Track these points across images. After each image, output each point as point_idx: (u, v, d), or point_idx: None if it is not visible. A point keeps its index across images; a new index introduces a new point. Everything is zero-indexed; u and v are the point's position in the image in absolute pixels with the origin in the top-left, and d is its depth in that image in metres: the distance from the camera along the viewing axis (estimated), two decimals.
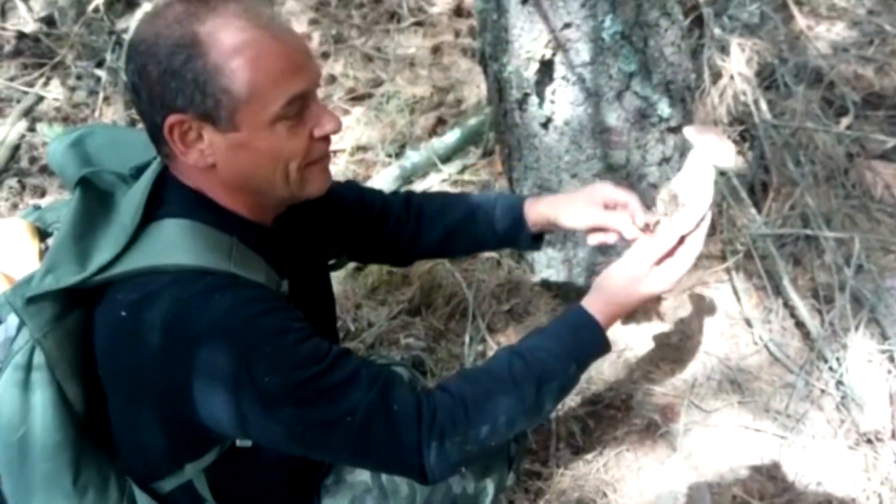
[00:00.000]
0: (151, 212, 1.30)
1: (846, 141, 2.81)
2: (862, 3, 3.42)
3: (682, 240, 1.45)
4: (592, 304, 1.48)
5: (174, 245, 1.28)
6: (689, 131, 1.48)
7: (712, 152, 1.42)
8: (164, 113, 1.24)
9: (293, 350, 1.26)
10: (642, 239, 1.47)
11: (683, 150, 2.52)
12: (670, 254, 1.44)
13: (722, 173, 2.85)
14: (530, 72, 2.15)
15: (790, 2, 3.11)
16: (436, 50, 3.82)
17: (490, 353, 2.75)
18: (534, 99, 2.28)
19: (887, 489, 2.31)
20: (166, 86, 1.22)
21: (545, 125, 2.34)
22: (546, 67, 2.18)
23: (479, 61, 2.41)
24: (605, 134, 2.35)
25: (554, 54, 2.14)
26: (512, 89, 2.30)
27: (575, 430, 2.45)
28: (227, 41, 1.21)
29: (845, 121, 2.90)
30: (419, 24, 3.96)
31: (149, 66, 1.22)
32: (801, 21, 3.12)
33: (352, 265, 3.02)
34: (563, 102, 2.28)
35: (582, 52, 2.16)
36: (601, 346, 1.48)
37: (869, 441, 2.43)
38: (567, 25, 2.11)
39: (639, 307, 1.52)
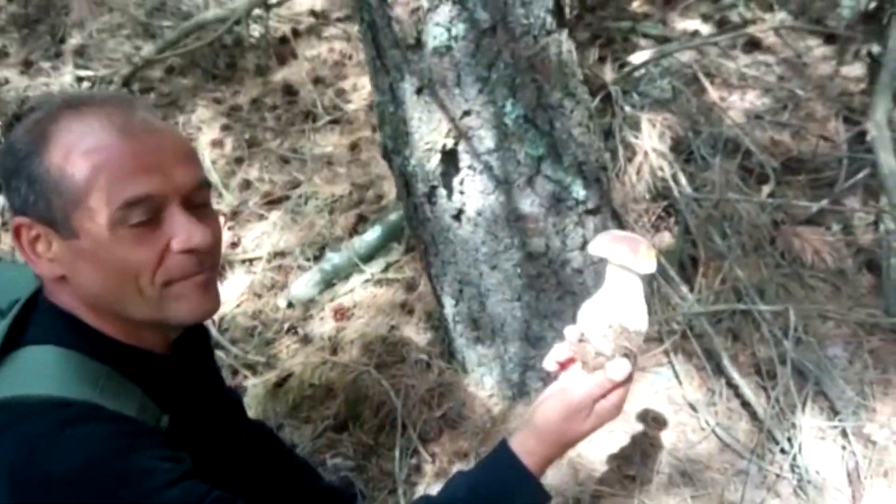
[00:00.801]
0: (16, 338, 1.13)
1: (770, 209, 2.74)
2: (772, 71, 3.44)
3: None
4: (523, 444, 1.24)
5: (32, 374, 1.10)
6: (597, 248, 1.25)
7: (630, 262, 1.19)
8: (11, 215, 1.13)
9: (158, 494, 1.06)
10: (585, 376, 1.23)
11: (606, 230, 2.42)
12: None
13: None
14: (433, 163, 2.04)
15: (701, 74, 3.09)
16: (353, 147, 3.72)
17: (424, 467, 2.54)
18: (441, 191, 2.16)
19: None
20: (9, 185, 1.11)
21: (457, 217, 2.21)
22: (450, 157, 2.07)
23: (382, 156, 2.29)
24: (521, 221, 2.23)
25: (456, 143, 2.03)
26: (418, 183, 2.18)
27: None
28: (69, 139, 1.08)
29: (766, 188, 2.84)
30: (335, 122, 3.88)
31: (3, 166, 1.12)
32: (713, 93, 3.10)
33: (272, 381, 2.82)
34: (473, 192, 2.16)
35: (485, 138, 2.05)
36: (535, 497, 1.25)
37: None
38: (467, 113, 2.01)
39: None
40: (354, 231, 3.30)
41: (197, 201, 1.20)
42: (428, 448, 2.57)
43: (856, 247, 2.85)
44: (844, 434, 2.43)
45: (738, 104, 3.23)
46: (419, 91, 2.00)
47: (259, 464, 1.61)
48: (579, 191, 2.24)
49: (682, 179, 2.68)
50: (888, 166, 2.28)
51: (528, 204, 2.20)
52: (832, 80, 3.37)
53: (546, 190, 2.19)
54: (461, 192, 2.16)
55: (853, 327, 2.59)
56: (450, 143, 2.01)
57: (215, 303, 1.26)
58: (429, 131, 2.02)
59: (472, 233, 2.24)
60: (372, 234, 3.20)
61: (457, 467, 2.52)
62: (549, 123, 2.12)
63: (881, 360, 2.53)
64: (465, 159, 2.09)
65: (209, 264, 1.22)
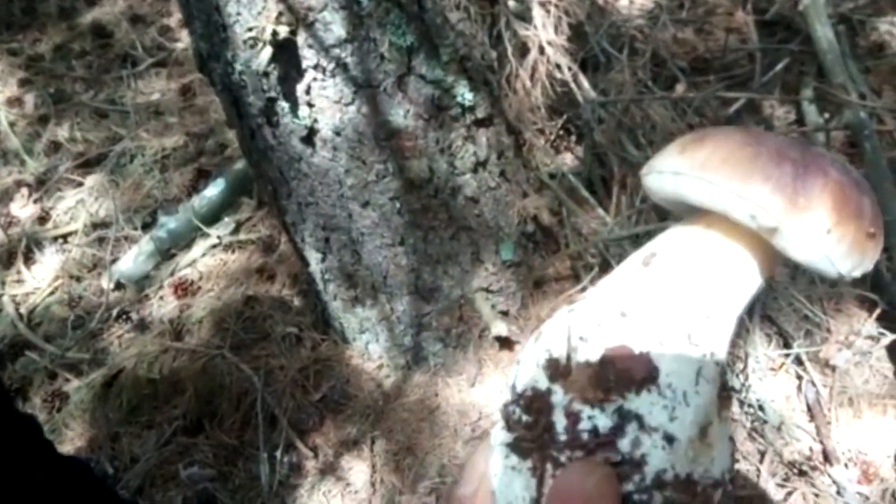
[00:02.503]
0: None
1: (686, 112, 2.32)
2: None
3: None
4: None
5: None
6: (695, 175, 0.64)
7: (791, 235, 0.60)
8: None
9: None
10: None
11: (501, 149, 1.93)
12: None
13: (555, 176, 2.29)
14: (263, 61, 1.48)
15: None
16: (185, 91, 3.10)
17: (305, 465, 2.02)
18: (282, 105, 1.61)
19: None
20: None
21: (308, 140, 1.67)
22: (286, 53, 1.51)
23: (198, 68, 1.71)
24: (394, 139, 1.71)
25: (293, 31, 1.48)
26: (249, 96, 1.62)
27: None
28: None
29: (679, 89, 2.42)
30: (160, 64, 3.25)
31: None
32: None
33: (98, 380, 2.21)
34: (325, 103, 1.62)
35: (333, 24, 1.51)
36: None
37: (801, 472, 1.92)
38: None
39: None
40: (193, 189, 2.71)
41: None
42: (307, 441, 2.07)
43: None
44: (799, 362, 2.09)
45: (630, 3, 2.79)
46: None
47: None
48: (465, 94, 1.74)
49: (585, 82, 2.22)
50: (825, 39, 1.88)
51: (401, 115, 1.68)
52: None
53: (422, 94, 1.68)
54: (309, 105, 1.61)
55: None
56: (283, 30, 1.45)
57: None
58: (252, 16, 1.46)
59: (331, 160, 1.71)
60: (214, 190, 2.61)
61: (346, 460, 2.01)
62: (418, 3, 1.60)
63: None
64: (308, 55, 1.54)
65: None
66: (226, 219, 2.60)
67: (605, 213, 2.14)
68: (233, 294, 2.36)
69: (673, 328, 0.55)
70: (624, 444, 0.50)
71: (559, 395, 0.52)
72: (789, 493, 1.92)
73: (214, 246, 2.53)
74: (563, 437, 0.51)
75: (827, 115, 2.28)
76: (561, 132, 2.45)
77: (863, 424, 2.04)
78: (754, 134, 0.58)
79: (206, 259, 2.51)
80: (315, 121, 1.64)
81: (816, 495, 1.89)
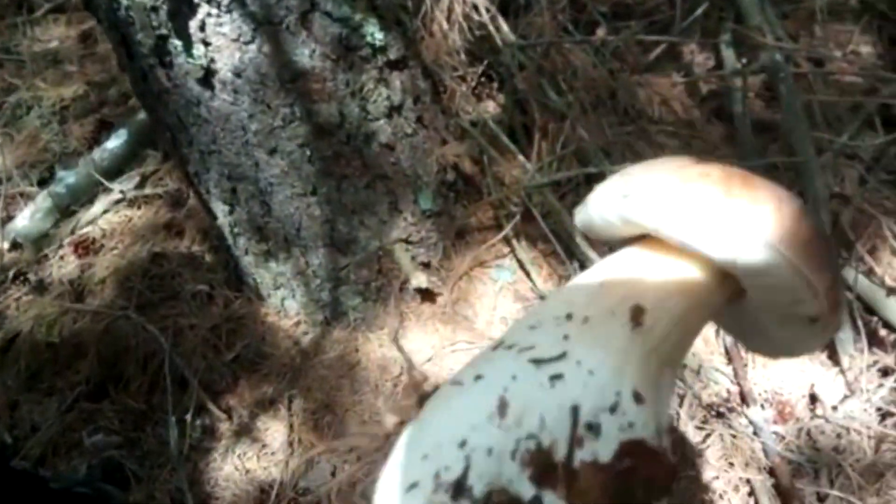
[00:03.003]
0: None
1: (607, 58, 2.27)
2: None
3: None
4: None
5: None
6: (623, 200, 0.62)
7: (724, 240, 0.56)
8: None
9: None
10: None
11: (417, 93, 1.85)
12: None
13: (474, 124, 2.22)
14: None
15: None
16: (86, 38, 2.92)
17: (219, 428, 1.94)
18: (175, 42, 1.49)
19: (755, 472, 1.81)
20: None
21: (206, 81, 1.56)
22: None
23: (84, 5, 1.57)
24: (301, 81, 1.60)
25: None
26: (138, 34, 1.49)
27: None
28: None
29: (600, 33, 2.37)
30: (59, 10, 3.02)
31: None
32: None
33: None
34: (223, 41, 1.50)
35: None
36: None
37: (719, 414, 1.93)
38: None
39: None
40: (95, 141, 2.55)
41: None
42: (220, 402, 1.98)
43: (699, 96, 2.46)
44: None
45: None
46: None
47: None
48: (375, 33, 1.64)
49: (504, 26, 2.15)
50: None
51: (307, 55, 1.58)
52: None
53: (329, 33, 1.58)
54: (205, 43, 1.50)
55: None
56: None
57: None
58: None
59: (232, 103, 1.60)
60: (116, 142, 2.46)
61: (263, 421, 1.94)
62: None
63: None
64: None
65: None
66: (130, 173, 2.45)
67: (526, 161, 2.09)
68: (138, 252, 2.23)
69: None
70: None
71: None
72: (707, 435, 1.93)
73: (118, 201, 2.38)
74: None
75: (745, 61, 2.26)
76: (483, 79, 2.37)
77: (779, 365, 2.06)
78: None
79: (108, 215, 2.37)
80: (212, 61, 1.52)
81: (734, 436, 1.91)
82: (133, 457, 1.92)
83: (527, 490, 0.38)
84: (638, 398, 0.43)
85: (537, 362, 0.44)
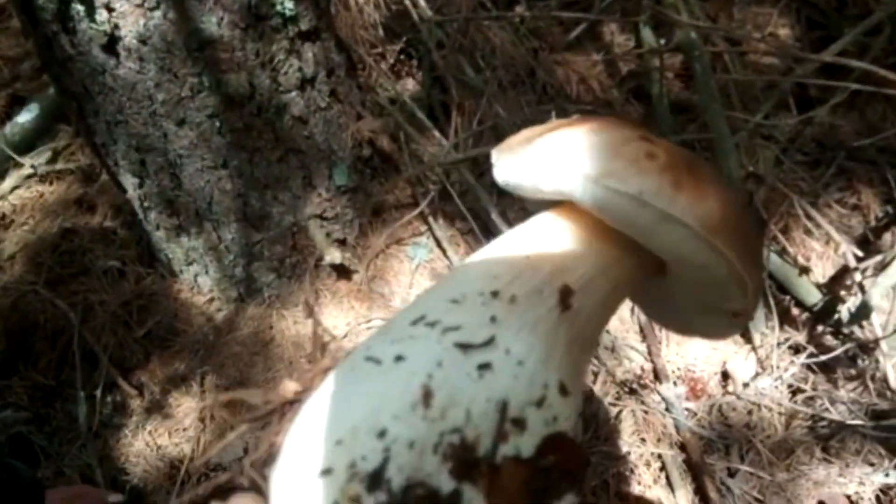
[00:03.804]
0: None
1: (525, 34, 2.28)
2: None
3: None
4: None
5: None
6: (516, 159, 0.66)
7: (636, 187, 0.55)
8: None
9: None
10: None
11: (331, 66, 1.84)
12: None
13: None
14: None
15: None
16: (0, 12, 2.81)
17: (130, 404, 1.91)
18: (77, 7, 1.46)
19: (666, 447, 1.85)
20: None
21: (110, 48, 1.52)
22: None
23: None
24: (209, 50, 1.58)
25: None
26: None
27: None
28: None
29: (518, 10, 2.38)
30: None
31: None
32: None
33: None
34: (127, 6, 1.47)
35: None
36: None
37: (632, 391, 1.97)
38: None
39: None
40: (6, 116, 2.47)
41: None
42: (131, 378, 1.96)
43: (619, 76, 2.50)
44: None
45: None
46: None
47: None
48: (285, 2, 1.63)
49: (421, 1, 2.15)
50: None
51: (214, 22, 1.56)
52: None
53: (238, 1, 1.56)
54: (108, 8, 1.47)
55: None
56: None
57: None
58: None
59: (138, 72, 1.57)
60: (27, 116, 2.39)
61: (174, 397, 1.92)
62: None
63: None
64: None
65: None
66: (42, 148, 2.38)
67: (444, 138, 2.10)
68: (49, 227, 2.17)
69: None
70: None
71: None
72: (620, 411, 1.96)
73: (29, 177, 2.32)
74: None
75: (663, 41, 2.31)
76: (401, 56, 2.37)
77: (692, 343, 2.10)
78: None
79: (19, 191, 2.30)
80: (116, 27, 1.49)
81: (646, 412, 1.95)
82: (42, 433, 1.88)
83: (446, 484, 0.36)
84: (563, 390, 0.42)
85: (464, 348, 0.42)
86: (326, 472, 0.39)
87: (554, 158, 0.54)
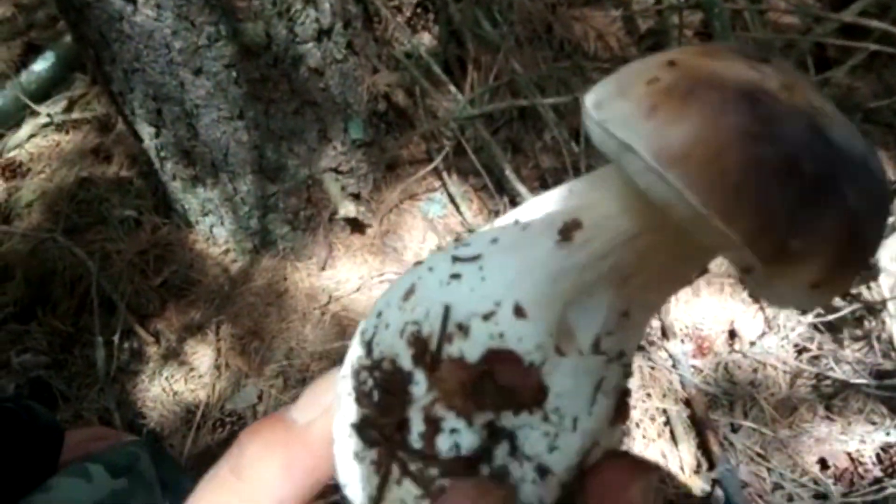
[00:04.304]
0: None
1: None
2: None
3: None
4: None
5: None
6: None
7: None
8: None
9: None
10: None
11: (348, 18, 1.84)
12: None
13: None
14: None
15: None
16: None
17: (146, 351, 1.95)
18: None
19: (671, 402, 1.88)
20: None
21: None
22: None
23: None
24: None
25: None
26: None
27: None
28: None
29: None
30: None
31: None
32: None
33: None
34: None
35: None
36: None
37: (639, 348, 1.98)
38: None
39: None
40: (22, 64, 2.49)
41: None
42: (148, 326, 1.99)
43: (638, 33, 2.48)
44: None
45: None
46: None
47: None
48: None
49: None
50: None
51: None
52: None
53: None
54: None
55: None
56: None
57: None
58: None
59: (155, 19, 1.58)
60: (43, 64, 2.42)
61: (191, 345, 1.96)
62: None
63: None
64: None
65: None
66: (58, 97, 2.41)
67: (459, 93, 2.10)
68: (66, 176, 2.21)
69: (579, 333, 0.45)
70: (487, 469, 0.40)
71: (421, 388, 0.41)
72: None
73: (45, 125, 2.35)
74: (416, 445, 0.41)
75: None
76: (418, 9, 2.36)
77: (701, 302, 2.12)
78: (767, 104, 0.39)
79: (36, 139, 2.34)
80: None
81: (652, 368, 1.98)
82: (61, 377, 1.93)
83: (406, 364, 0.42)
84: (519, 312, 0.43)
85: (455, 259, 0.45)
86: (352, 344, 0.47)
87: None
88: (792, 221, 0.37)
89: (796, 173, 0.37)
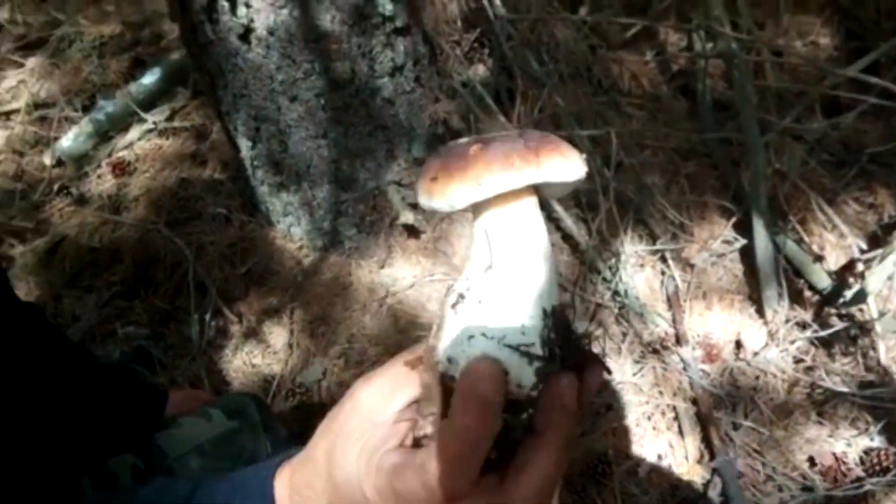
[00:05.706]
0: None
1: (586, 34, 2.58)
2: None
3: None
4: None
5: None
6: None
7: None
8: None
9: None
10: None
11: (417, 56, 2.17)
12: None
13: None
14: None
15: None
16: None
17: (230, 329, 2.29)
18: (223, 4, 1.81)
19: (680, 400, 2.15)
20: None
21: (245, 37, 1.88)
22: None
23: None
24: (321, 41, 1.93)
25: None
26: None
27: None
28: None
29: (582, 11, 2.68)
30: None
31: None
32: None
33: (42, 247, 2.42)
34: (262, 5, 1.83)
35: None
36: None
37: (655, 351, 2.26)
38: None
39: None
40: (130, 76, 2.86)
41: None
42: (233, 308, 2.32)
43: (670, 73, 2.78)
44: (664, 259, 2.42)
45: None
46: None
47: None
48: (386, 5, 1.96)
49: (497, 0, 2.46)
50: None
51: (328, 20, 1.90)
52: None
53: (348, 3, 1.90)
54: (247, 5, 1.82)
55: (670, 154, 2.54)
56: None
57: None
58: None
59: (264, 57, 1.93)
60: (151, 78, 2.78)
61: (268, 326, 2.29)
62: None
63: (697, 184, 2.51)
64: None
65: None
66: (162, 106, 2.77)
67: (507, 121, 2.42)
68: (167, 176, 2.56)
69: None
70: None
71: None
72: (642, 368, 2.26)
73: (150, 130, 2.71)
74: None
75: (710, 46, 2.57)
76: (475, 45, 2.67)
77: (712, 314, 2.37)
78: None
79: (142, 142, 2.70)
80: (251, 20, 1.85)
81: (665, 369, 2.23)
82: (158, 347, 2.27)
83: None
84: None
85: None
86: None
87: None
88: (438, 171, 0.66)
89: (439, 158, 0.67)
